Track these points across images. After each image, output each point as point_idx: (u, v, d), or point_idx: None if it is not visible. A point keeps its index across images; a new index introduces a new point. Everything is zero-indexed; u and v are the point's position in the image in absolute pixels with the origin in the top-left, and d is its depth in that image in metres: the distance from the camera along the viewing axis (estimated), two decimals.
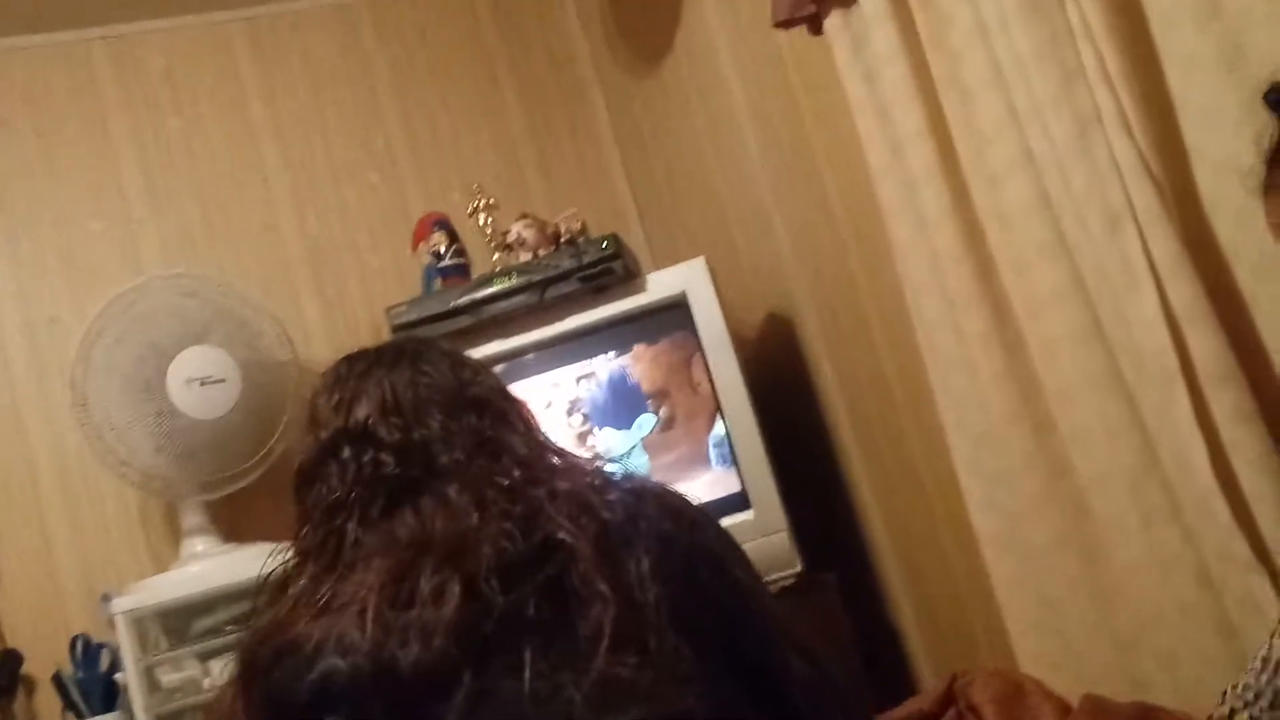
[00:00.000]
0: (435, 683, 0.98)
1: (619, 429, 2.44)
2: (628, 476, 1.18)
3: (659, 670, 0.98)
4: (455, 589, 1.01)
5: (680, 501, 1.15)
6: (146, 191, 2.96)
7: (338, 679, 1.01)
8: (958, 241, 1.74)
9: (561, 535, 1.04)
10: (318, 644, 1.03)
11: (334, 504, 1.17)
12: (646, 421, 2.43)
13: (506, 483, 1.12)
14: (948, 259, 1.75)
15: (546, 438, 1.25)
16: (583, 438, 2.44)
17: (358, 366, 1.26)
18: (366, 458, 1.18)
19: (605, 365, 2.48)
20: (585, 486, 1.12)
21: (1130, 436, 1.51)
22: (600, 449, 2.38)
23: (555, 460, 1.20)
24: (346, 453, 1.19)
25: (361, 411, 1.21)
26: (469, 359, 1.30)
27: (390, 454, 1.17)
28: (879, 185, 1.88)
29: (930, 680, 2.21)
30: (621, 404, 2.45)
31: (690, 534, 1.10)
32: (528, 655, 0.98)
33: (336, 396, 1.24)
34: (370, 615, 1.02)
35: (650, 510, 1.10)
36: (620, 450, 2.40)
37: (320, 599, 1.07)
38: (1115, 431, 1.53)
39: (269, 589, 1.17)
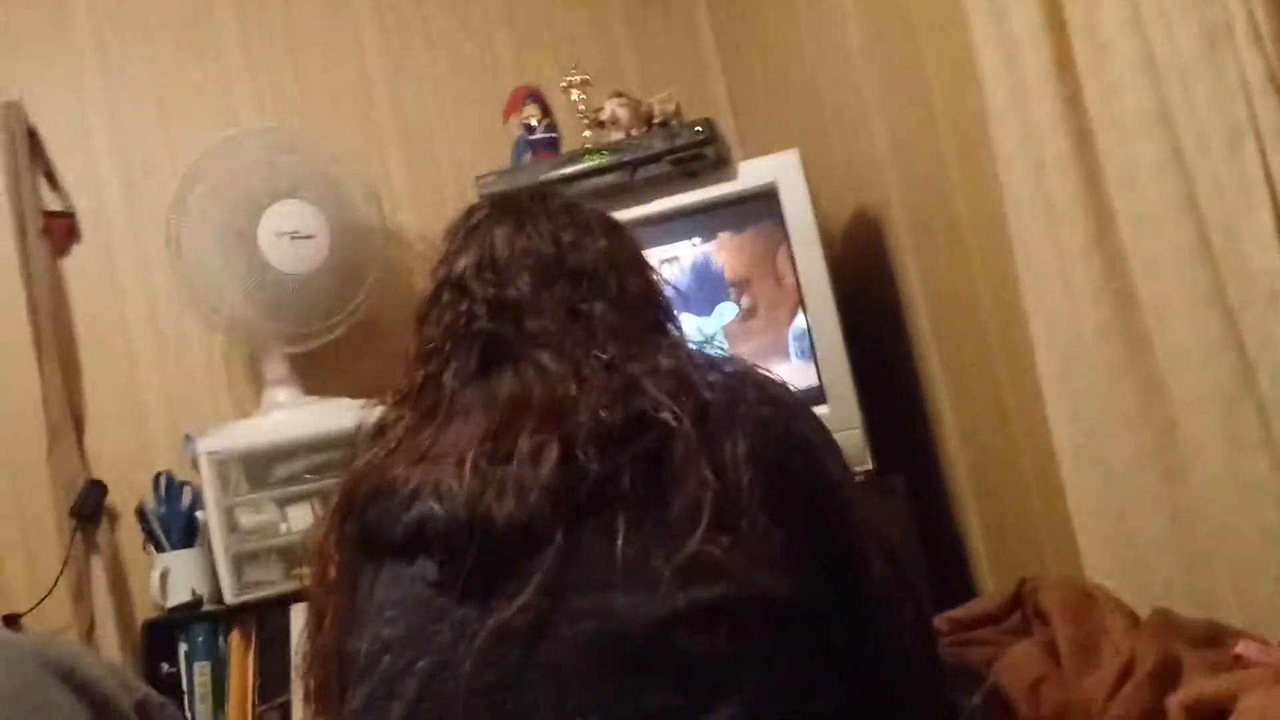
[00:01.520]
0: (528, 538, 1.01)
1: (700, 315, 2.45)
2: (729, 359, 1.18)
3: (747, 551, 1.00)
4: (553, 451, 1.03)
5: (780, 389, 1.16)
6: (242, 44, 2.97)
7: (434, 523, 1.04)
8: (1066, 151, 1.70)
9: (660, 411, 1.05)
10: (415, 488, 1.05)
11: (429, 350, 1.19)
12: (728, 310, 2.43)
13: (605, 356, 1.12)
14: (1054, 169, 1.72)
15: (659, 309, 1.25)
16: None
17: (474, 217, 1.27)
18: (462, 308, 1.20)
19: (690, 250, 2.48)
20: (687, 364, 1.13)
21: (1227, 356, 1.49)
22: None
23: (659, 336, 1.20)
24: (445, 299, 1.21)
25: (461, 263, 1.23)
26: (583, 217, 1.27)
27: (483, 307, 1.18)
28: (987, 90, 1.84)
29: (992, 588, 2.23)
30: (704, 290, 2.46)
31: (788, 421, 1.11)
32: (620, 523, 1.00)
33: (447, 246, 1.26)
34: (469, 466, 1.04)
35: (750, 394, 1.10)
36: (699, 336, 2.41)
37: (420, 446, 1.10)
38: (1212, 351, 1.51)
39: (366, 435, 1.20)
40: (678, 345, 1.19)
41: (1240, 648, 1.21)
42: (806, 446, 1.11)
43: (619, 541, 0.99)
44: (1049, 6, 1.70)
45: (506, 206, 1.29)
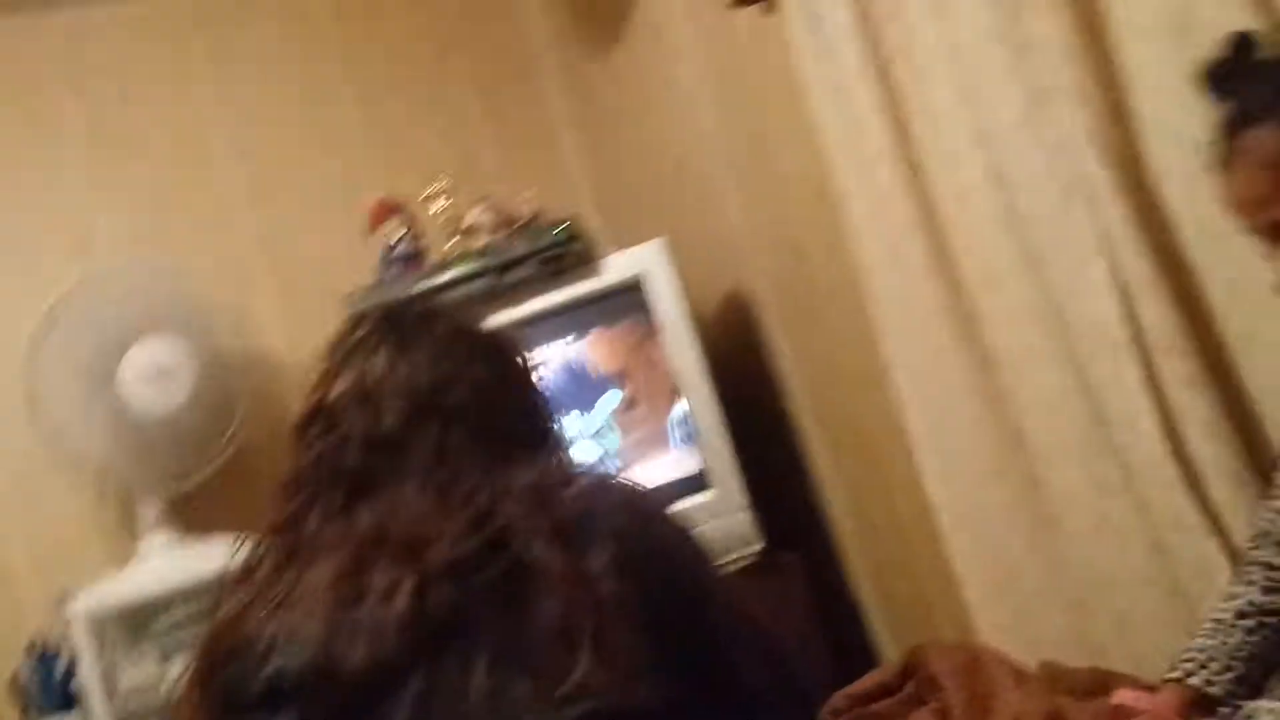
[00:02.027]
0: (385, 681, 0.98)
1: (582, 411, 2.44)
2: (589, 470, 1.17)
3: (613, 665, 0.98)
4: (407, 586, 1.00)
5: (640, 497, 1.15)
6: (95, 182, 2.90)
7: (287, 678, 1.00)
8: (913, 218, 1.75)
9: (516, 532, 1.04)
10: (269, 642, 1.02)
11: (297, 484, 1.16)
12: (612, 397, 2.42)
13: (467, 489, 1.10)
14: (903, 235, 1.77)
15: (533, 428, 1.22)
16: None
17: (355, 336, 1.23)
18: (333, 439, 1.17)
19: (565, 349, 2.47)
20: (544, 480, 1.11)
21: (1082, 406, 1.53)
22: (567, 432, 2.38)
23: (523, 454, 1.18)
24: (318, 428, 1.18)
25: (335, 390, 1.20)
26: (464, 343, 1.23)
27: (355, 441, 1.16)
28: (834, 164, 1.90)
29: (891, 655, 2.23)
30: (582, 387, 2.45)
31: (647, 528, 1.09)
32: (479, 652, 0.98)
33: (325, 365, 1.22)
34: (321, 611, 1.01)
35: (609, 505, 1.09)
36: (589, 430, 2.40)
37: (276, 594, 1.07)
38: (1067, 402, 1.55)
39: (231, 579, 1.16)
40: (537, 462, 1.16)
41: (1118, 697, 1.22)
42: (667, 553, 1.09)
43: (478, 671, 0.96)
44: (885, 84, 1.76)
45: (388, 328, 1.26)
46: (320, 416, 1.19)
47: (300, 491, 1.15)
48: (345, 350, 1.23)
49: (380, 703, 0.97)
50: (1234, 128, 1.01)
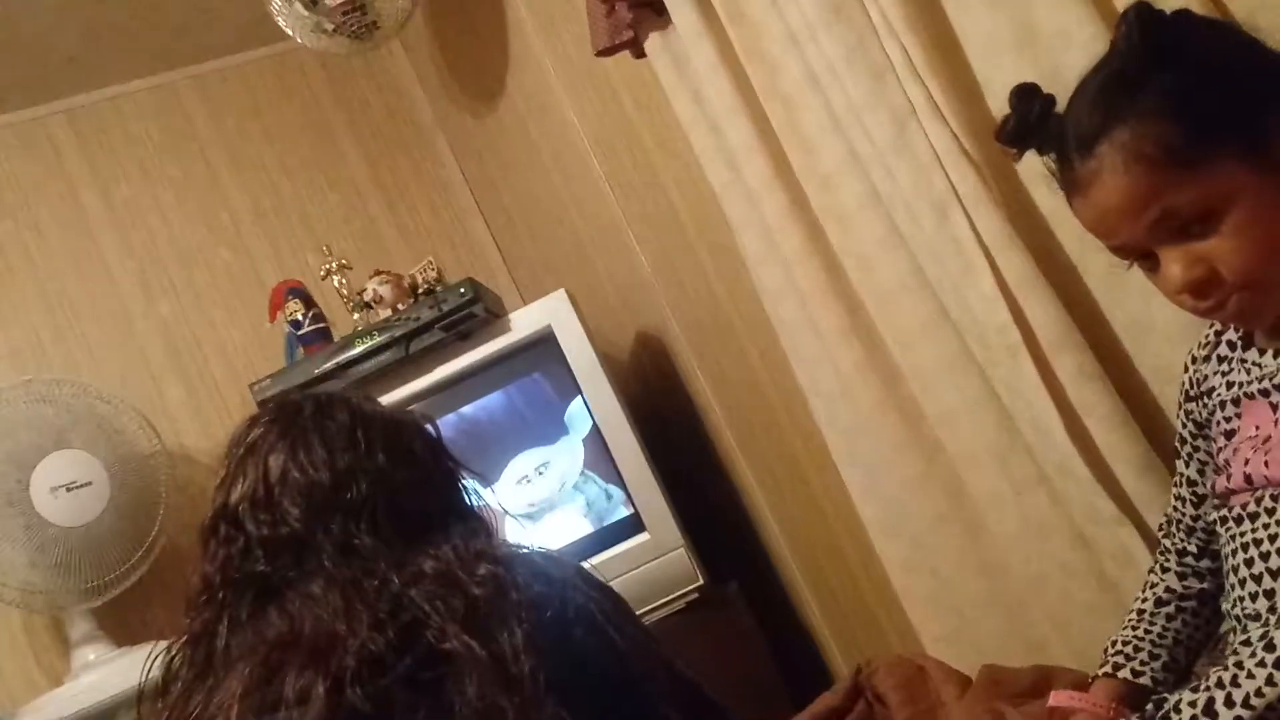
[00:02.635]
0: None
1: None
2: (502, 545, 1.16)
3: None
4: (320, 689, 0.99)
5: (554, 564, 1.14)
6: None
7: None
8: (802, 244, 1.77)
9: (428, 621, 1.03)
10: None
11: (205, 593, 1.14)
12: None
13: (375, 583, 1.09)
14: (795, 262, 1.79)
15: (442, 511, 1.21)
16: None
17: (250, 436, 1.22)
18: (236, 546, 1.15)
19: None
20: (452, 564, 1.10)
21: (989, 412, 1.56)
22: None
23: (432, 539, 1.17)
24: (221, 534, 1.17)
25: (235, 494, 1.18)
26: (362, 432, 1.21)
27: (258, 547, 1.14)
28: (722, 199, 1.92)
29: (843, 672, 2.24)
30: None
31: (563, 595, 1.09)
32: None
33: (222, 471, 1.21)
34: None
35: (521, 578, 1.08)
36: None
37: (190, 714, 1.05)
38: (975, 409, 1.58)
39: (148, 697, 1.14)
40: (445, 546, 1.15)
41: (1053, 699, 1.24)
42: (586, 618, 1.08)
43: None
44: (757, 118, 1.78)
45: (284, 427, 1.24)
46: (221, 522, 1.17)
47: (209, 600, 1.13)
48: (243, 450, 1.22)
49: None
50: (1084, 147, 1.01)
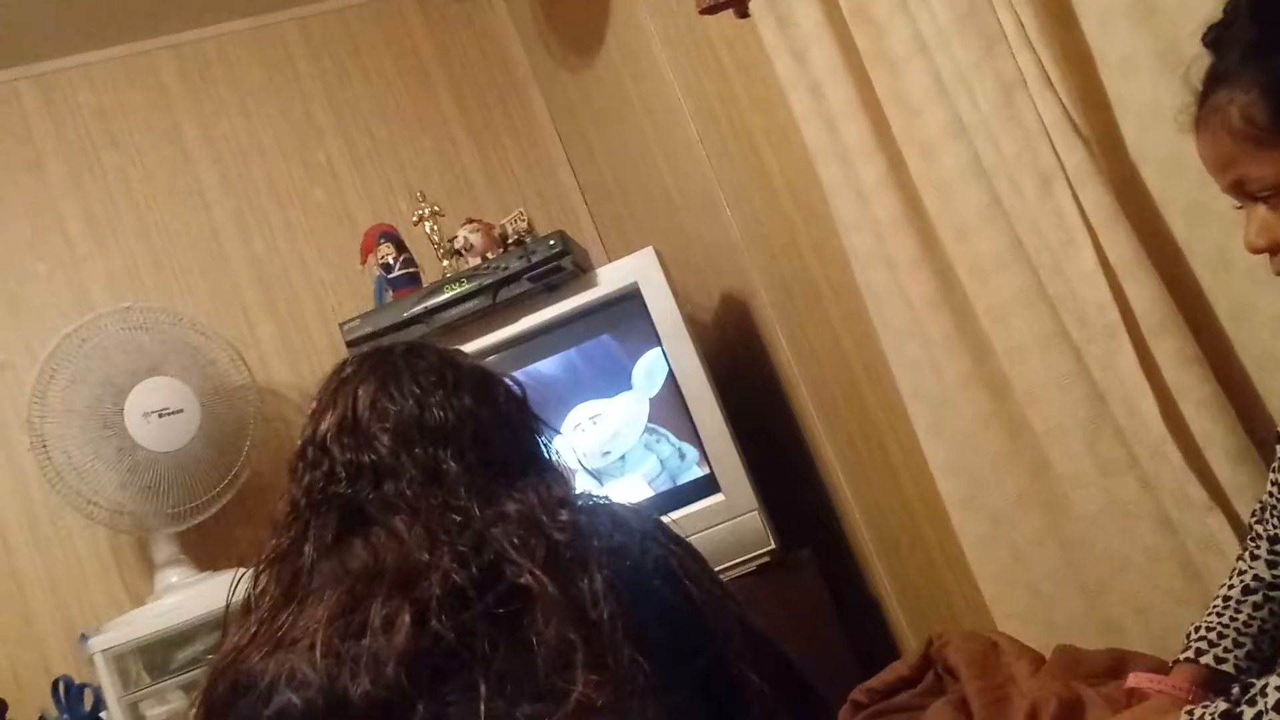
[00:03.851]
0: (388, 713, 0.98)
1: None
2: (583, 495, 1.18)
3: (617, 687, 0.98)
4: (405, 618, 1.01)
5: (635, 516, 1.15)
6: (88, 228, 2.94)
7: (292, 714, 1.01)
8: (898, 212, 1.75)
9: (510, 561, 1.04)
10: (272, 679, 1.03)
11: (291, 515, 1.17)
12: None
13: (459, 517, 1.11)
14: (890, 229, 1.77)
15: (524, 457, 1.23)
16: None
17: (342, 374, 1.26)
18: (322, 470, 1.18)
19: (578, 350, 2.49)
20: (536, 507, 1.12)
21: (1081, 390, 1.54)
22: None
23: (514, 480, 1.19)
24: (309, 459, 1.20)
25: (324, 423, 1.22)
26: (451, 374, 1.25)
27: (342, 470, 1.17)
28: (817, 162, 1.90)
29: (912, 644, 2.24)
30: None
31: (643, 546, 1.10)
32: (480, 680, 0.99)
33: (314, 404, 1.25)
34: (321, 649, 1.02)
35: (603, 527, 1.10)
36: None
37: (276, 632, 1.08)
38: (1066, 387, 1.56)
39: (235, 616, 1.17)
40: (529, 489, 1.17)
41: (1131, 680, 1.23)
42: (665, 571, 1.09)
43: (481, 698, 0.97)
44: (860, 81, 1.76)
45: (374, 364, 1.27)
46: (310, 448, 1.21)
47: (294, 522, 1.17)
48: (334, 386, 1.25)
49: None
50: (1205, 91, 1.03)
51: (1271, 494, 1.21)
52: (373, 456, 1.17)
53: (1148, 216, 1.44)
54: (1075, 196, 1.44)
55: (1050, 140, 1.46)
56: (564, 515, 1.09)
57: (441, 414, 1.21)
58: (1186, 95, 1.07)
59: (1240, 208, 1.06)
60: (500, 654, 1.00)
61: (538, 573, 1.02)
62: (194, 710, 1.10)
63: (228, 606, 1.20)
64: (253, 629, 1.09)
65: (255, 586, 1.17)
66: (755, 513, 2.28)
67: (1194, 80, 1.06)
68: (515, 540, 1.05)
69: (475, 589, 1.02)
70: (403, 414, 1.21)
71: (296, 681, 1.00)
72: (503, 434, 1.25)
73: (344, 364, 1.30)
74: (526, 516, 1.08)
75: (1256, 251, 1.05)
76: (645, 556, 1.08)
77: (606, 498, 1.17)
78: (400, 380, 1.24)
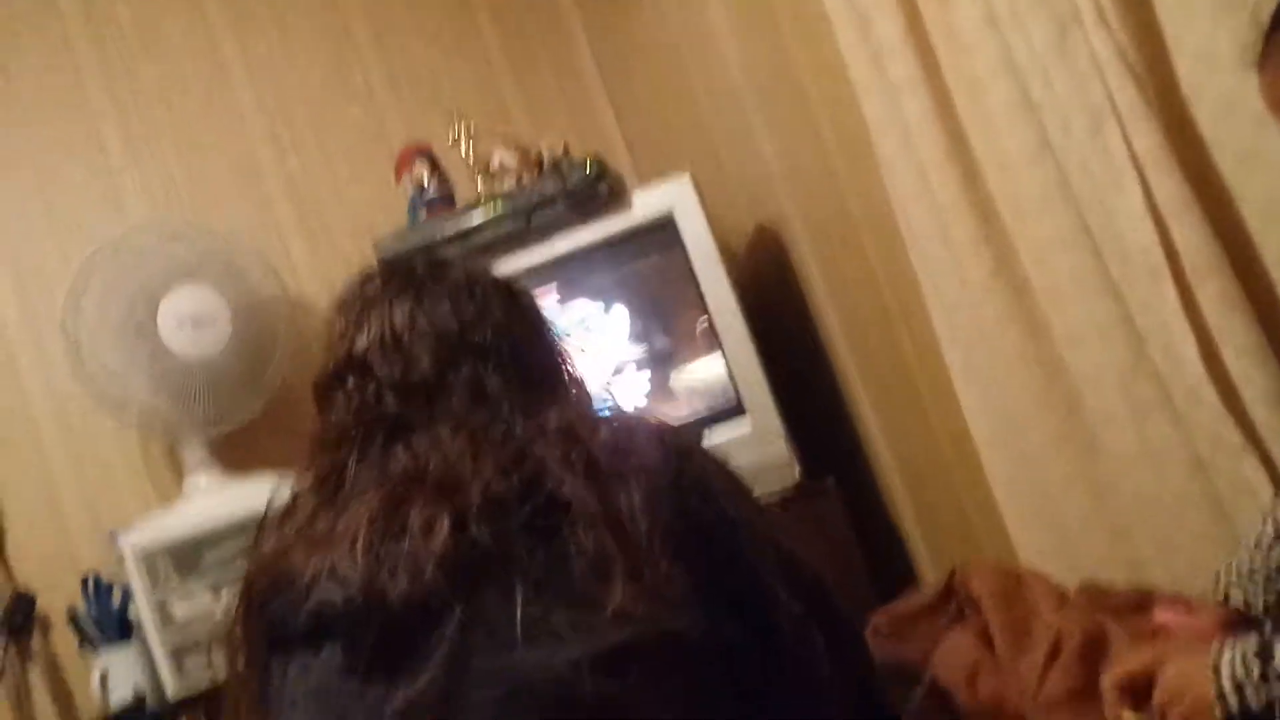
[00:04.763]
0: (426, 612, 1.00)
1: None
2: (619, 411, 1.19)
3: (651, 597, 1.00)
4: (445, 522, 1.02)
5: (671, 433, 1.17)
6: (124, 139, 2.94)
7: (332, 609, 1.03)
8: (942, 149, 1.74)
9: (550, 472, 1.06)
10: (312, 576, 1.05)
11: (338, 435, 1.18)
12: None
13: (501, 429, 1.13)
14: (933, 166, 1.76)
15: (556, 371, 1.25)
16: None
17: (368, 290, 1.25)
18: (369, 391, 1.19)
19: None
20: (576, 422, 1.13)
21: (1120, 333, 1.54)
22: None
23: (551, 397, 1.20)
24: (351, 383, 1.21)
25: (361, 342, 1.22)
26: (480, 289, 1.26)
27: (390, 391, 1.18)
28: (862, 96, 1.89)
29: (932, 578, 2.26)
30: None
31: (680, 464, 1.11)
32: (518, 585, 1.00)
33: (343, 319, 1.24)
34: (361, 547, 1.03)
35: (640, 443, 1.11)
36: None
37: (316, 532, 1.09)
38: (1105, 329, 1.56)
39: (272, 520, 1.19)
40: (567, 404, 1.19)
41: (1159, 616, 1.24)
42: (701, 487, 1.10)
43: (518, 603, 0.99)
44: (909, 12, 1.75)
45: (403, 280, 1.27)
46: (350, 370, 1.21)
47: (340, 442, 1.17)
48: (360, 304, 1.25)
49: (423, 634, 1.00)
50: (1273, 26, 1.01)
51: None
52: (419, 374, 1.18)
53: (1198, 159, 1.43)
54: (1125, 136, 1.44)
55: (1103, 78, 1.44)
56: (603, 431, 1.10)
57: (480, 330, 1.22)
58: (1253, 32, 1.06)
59: None
60: (538, 562, 1.01)
61: (577, 485, 1.04)
62: (233, 608, 1.12)
63: (267, 512, 1.22)
64: (293, 531, 1.11)
65: (295, 494, 1.18)
66: (781, 440, 2.30)
67: (1262, 17, 1.05)
68: (556, 454, 1.07)
69: (515, 499, 1.04)
70: (444, 330, 1.22)
71: (337, 578, 1.02)
72: (535, 347, 1.27)
73: (365, 280, 1.29)
74: (566, 431, 1.10)
75: None
76: (682, 474, 1.09)
77: (645, 414, 1.18)
78: (435, 296, 1.24)
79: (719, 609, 1.05)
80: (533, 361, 1.25)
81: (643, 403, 2.42)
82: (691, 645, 1.01)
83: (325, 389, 1.23)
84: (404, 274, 1.28)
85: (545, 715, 0.97)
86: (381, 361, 1.20)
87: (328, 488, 1.15)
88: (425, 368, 1.19)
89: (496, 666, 0.98)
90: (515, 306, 1.29)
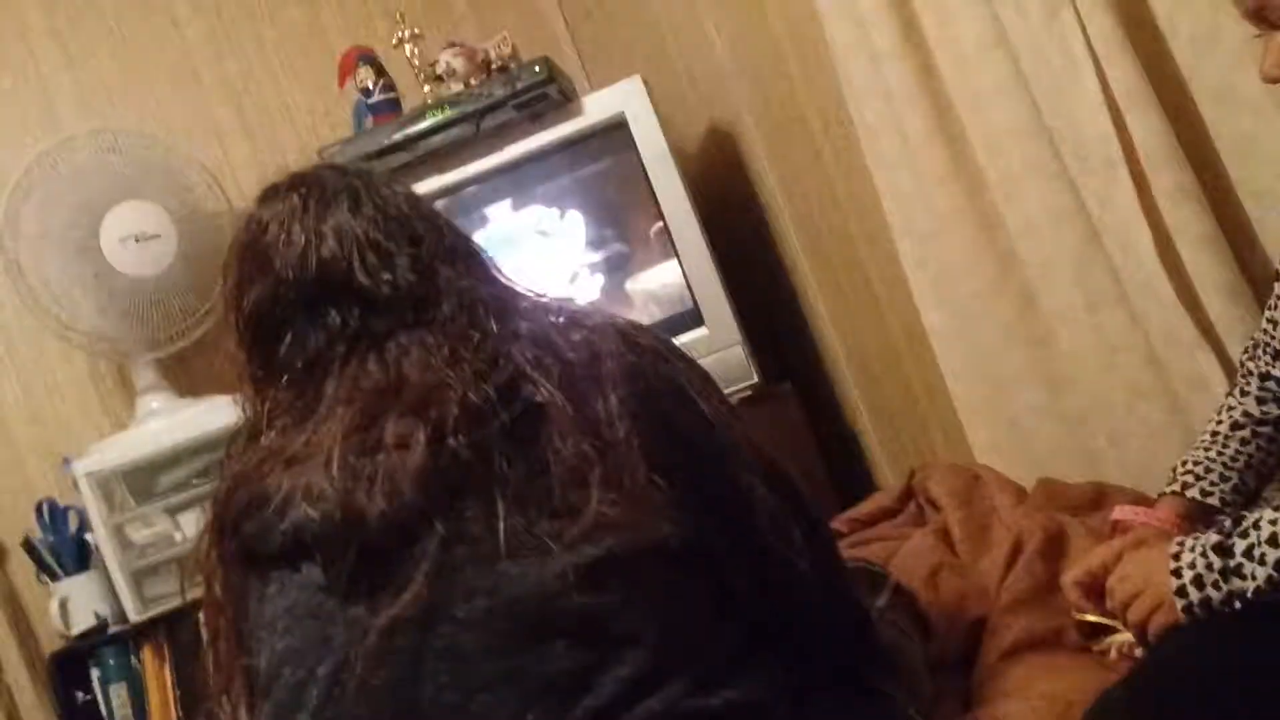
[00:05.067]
0: (405, 528, 0.98)
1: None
2: (589, 313, 1.16)
3: (632, 503, 0.99)
4: (420, 436, 0.99)
5: (644, 335, 1.13)
6: (55, 44, 2.82)
7: (310, 528, 1.00)
8: (897, 39, 1.71)
9: (526, 379, 1.03)
10: (287, 494, 1.02)
11: (316, 359, 1.11)
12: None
13: (477, 335, 1.09)
14: (887, 57, 1.73)
15: (507, 276, 1.22)
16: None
17: (309, 202, 1.15)
18: (352, 314, 1.11)
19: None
20: (548, 326, 1.10)
21: (1075, 224, 1.53)
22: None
23: (517, 300, 1.17)
24: (329, 309, 1.12)
25: (334, 260, 1.13)
26: (405, 190, 1.20)
27: (378, 310, 1.11)
28: None
29: (891, 479, 2.27)
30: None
31: (655, 367, 1.08)
32: (498, 497, 0.98)
33: (293, 237, 1.13)
34: (336, 463, 1.00)
35: (613, 346, 1.08)
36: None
37: (289, 449, 1.06)
38: (1060, 220, 1.54)
39: (240, 439, 1.15)
40: (536, 307, 1.15)
41: (1117, 513, 1.24)
42: (676, 389, 1.08)
43: (500, 517, 0.97)
44: None
45: (341, 188, 1.19)
46: (321, 293, 1.12)
47: (313, 364, 1.12)
48: (312, 216, 1.16)
49: (403, 551, 0.98)
50: None
51: (1266, 330, 1.21)
52: (406, 285, 1.13)
53: (1153, 45, 1.41)
54: (1081, 23, 1.40)
55: None
56: (576, 335, 1.08)
57: (442, 233, 1.18)
58: None
59: (1259, 36, 1.03)
60: (517, 472, 0.99)
61: (554, 390, 1.02)
62: (203, 529, 1.10)
63: (231, 430, 1.17)
64: (265, 449, 1.08)
65: (263, 409, 1.14)
66: (738, 346, 2.28)
67: None
68: (530, 359, 1.04)
69: (491, 407, 1.01)
70: (413, 235, 1.16)
71: (313, 496, 0.99)
72: (470, 245, 1.22)
73: (301, 192, 1.17)
74: (539, 336, 1.07)
75: (1272, 81, 1.02)
76: (657, 376, 1.07)
77: (615, 315, 1.15)
78: (379, 202, 1.19)
79: (699, 512, 1.04)
80: (488, 264, 1.22)
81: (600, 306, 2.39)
82: (673, 552, 1.00)
83: (283, 316, 1.13)
84: (339, 182, 1.20)
85: (531, 629, 0.96)
86: (364, 275, 1.13)
87: (299, 407, 1.11)
88: (412, 278, 1.14)
89: (480, 581, 0.96)
90: (425, 206, 1.23)
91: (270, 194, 1.19)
